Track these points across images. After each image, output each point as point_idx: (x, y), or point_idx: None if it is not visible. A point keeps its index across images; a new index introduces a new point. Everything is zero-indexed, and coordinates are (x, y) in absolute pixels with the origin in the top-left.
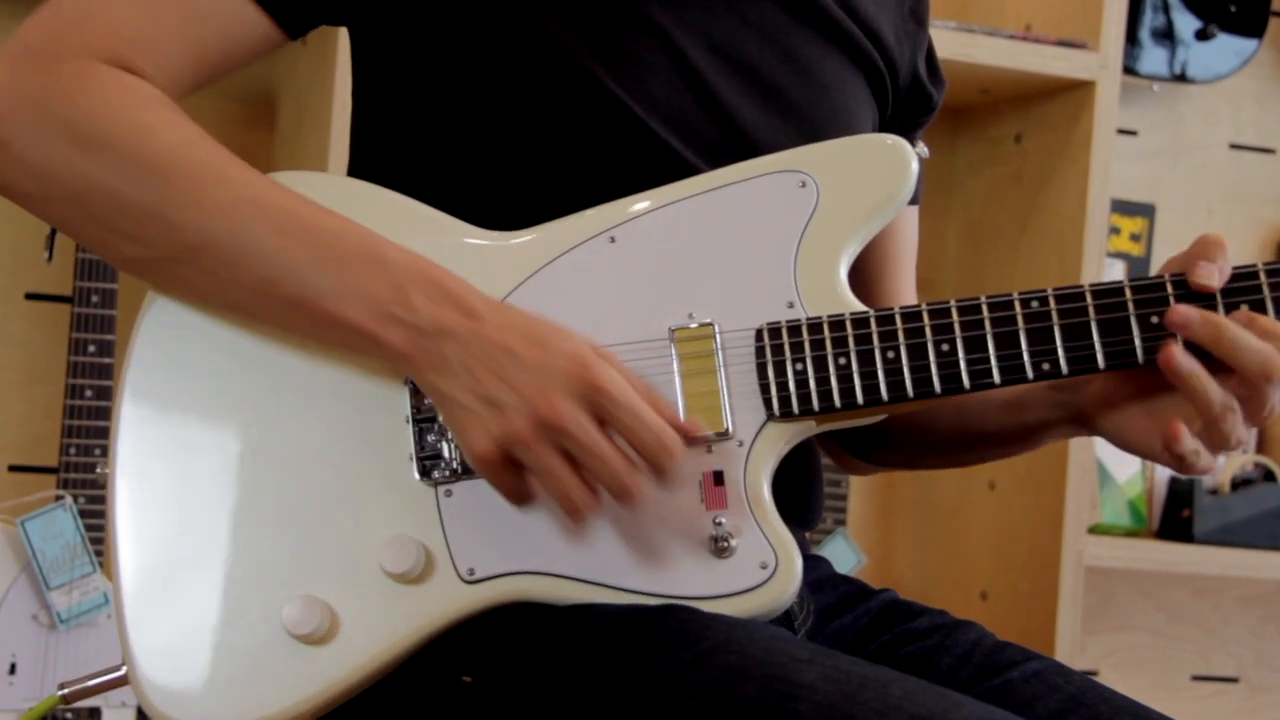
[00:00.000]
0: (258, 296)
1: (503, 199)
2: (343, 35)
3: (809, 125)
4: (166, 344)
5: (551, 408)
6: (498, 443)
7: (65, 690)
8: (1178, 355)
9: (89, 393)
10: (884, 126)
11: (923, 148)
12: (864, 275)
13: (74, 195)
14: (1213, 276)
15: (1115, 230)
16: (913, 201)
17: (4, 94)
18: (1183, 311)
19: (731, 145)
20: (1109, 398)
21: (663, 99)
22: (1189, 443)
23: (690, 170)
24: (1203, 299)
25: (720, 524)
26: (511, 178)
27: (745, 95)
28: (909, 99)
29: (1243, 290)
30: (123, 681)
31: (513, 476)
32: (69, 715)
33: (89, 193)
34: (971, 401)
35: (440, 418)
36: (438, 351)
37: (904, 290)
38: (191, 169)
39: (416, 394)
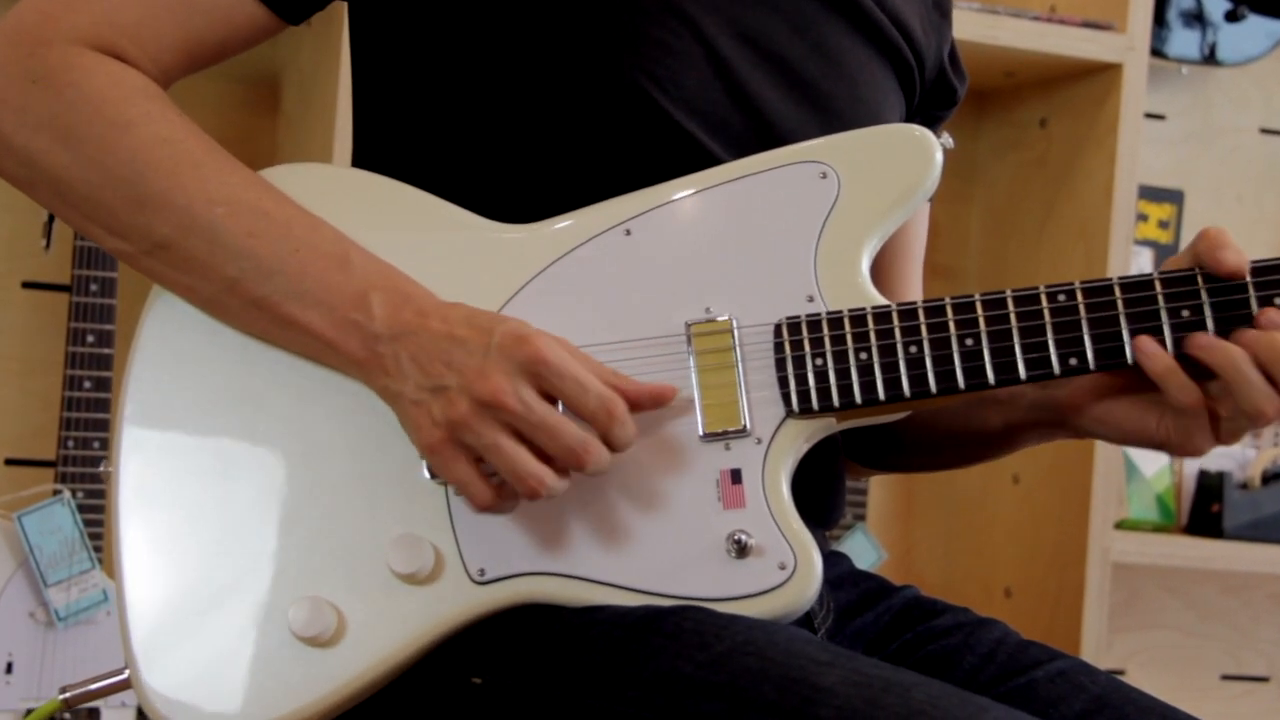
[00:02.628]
0: (222, 294)
1: (516, 190)
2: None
3: (838, 118)
4: (172, 337)
5: (488, 385)
6: (442, 428)
7: (67, 694)
8: (1148, 347)
9: (88, 384)
10: (909, 119)
11: (947, 138)
12: (872, 269)
13: (55, 184)
14: (1243, 258)
15: (1143, 217)
16: None
17: None
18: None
19: (758, 138)
20: (1099, 390)
21: (690, 89)
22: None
23: (714, 162)
24: (1233, 290)
25: (738, 524)
26: (526, 168)
27: (774, 87)
28: (933, 91)
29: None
30: (125, 685)
31: (464, 467)
32: (66, 716)
33: (69, 183)
34: (962, 400)
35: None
36: (392, 354)
37: (911, 286)
38: (168, 167)
39: None
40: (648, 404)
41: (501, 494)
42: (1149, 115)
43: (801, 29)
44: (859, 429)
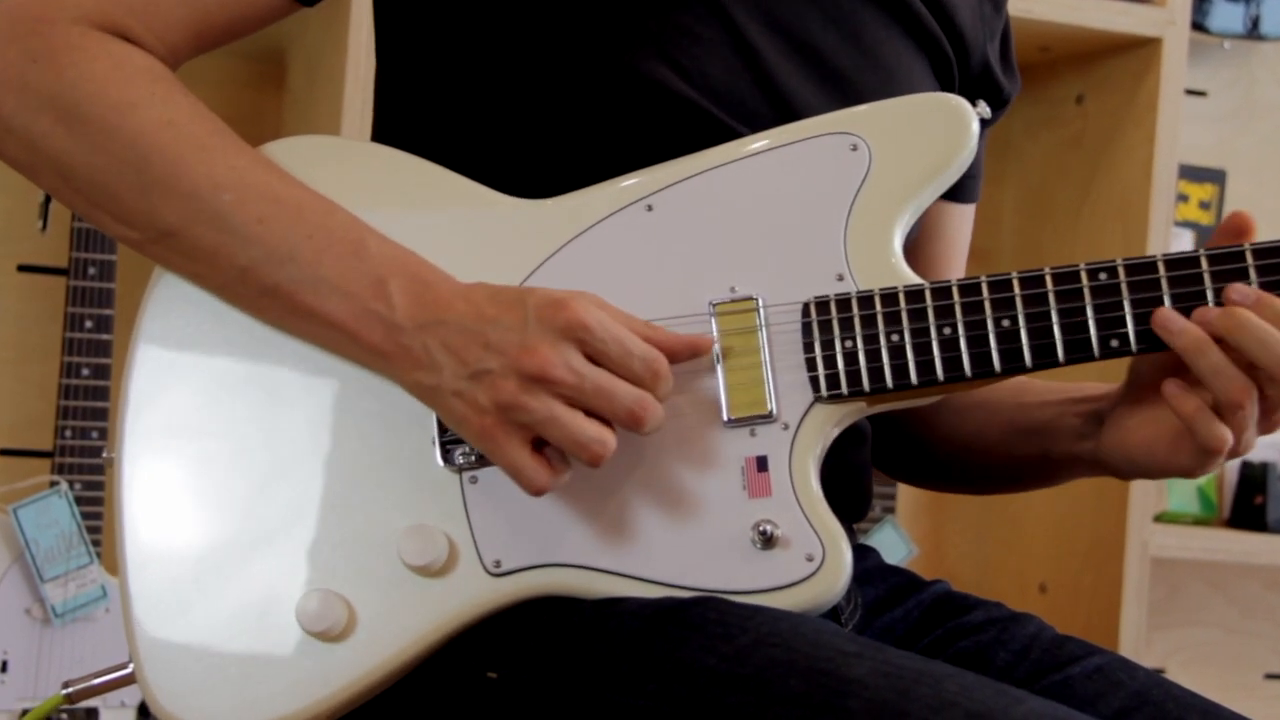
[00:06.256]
0: (233, 283)
1: (536, 165)
2: None
3: None
4: (176, 321)
5: (534, 357)
6: (491, 414)
7: (70, 689)
8: (1170, 316)
9: (86, 371)
10: None
11: (984, 107)
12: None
13: (58, 168)
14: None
15: (1183, 197)
16: (969, 199)
17: None
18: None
19: None
20: (1124, 415)
21: (716, 77)
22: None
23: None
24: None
25: (763, 513)
26: (546, 144)
27: (806, 79)
28: (977, 88)
29: None
30: (129, 680)
31: (520, 450)
32: (63, 716)
33: (72, 168)
34: (997, 426)
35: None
36: (420, 346)
37: None
38: (173, 151)
39: None
40: (684, 355)
41: (555, 472)
42: (1189, 92)
43: (836, 19)
44: (891, 441)
